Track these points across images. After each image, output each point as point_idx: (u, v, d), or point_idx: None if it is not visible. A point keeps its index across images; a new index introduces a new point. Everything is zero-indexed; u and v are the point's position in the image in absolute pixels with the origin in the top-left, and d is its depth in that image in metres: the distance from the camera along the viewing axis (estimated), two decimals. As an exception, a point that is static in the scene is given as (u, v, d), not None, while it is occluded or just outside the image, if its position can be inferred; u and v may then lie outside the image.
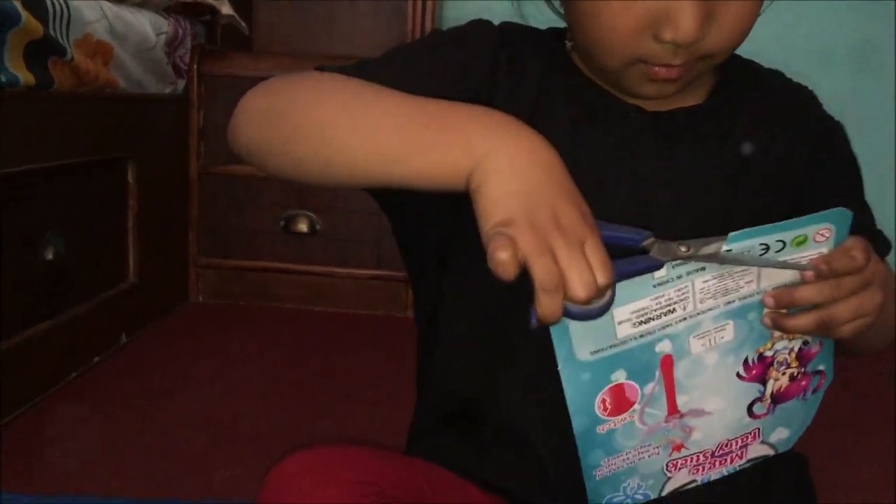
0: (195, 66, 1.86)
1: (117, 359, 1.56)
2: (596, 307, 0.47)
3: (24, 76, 1.23)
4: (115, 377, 1.47)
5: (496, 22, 0.68)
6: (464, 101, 0.55)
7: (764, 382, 0.60)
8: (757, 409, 0.61)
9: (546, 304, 0.45)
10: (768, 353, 0.59)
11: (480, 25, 0.68)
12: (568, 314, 0.47)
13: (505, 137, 0.50)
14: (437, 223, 0.65)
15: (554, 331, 0.52)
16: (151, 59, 1.67)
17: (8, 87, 1.19)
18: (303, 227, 1.92)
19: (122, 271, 1.66)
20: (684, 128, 0.65)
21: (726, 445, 0.62)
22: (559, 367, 0.53)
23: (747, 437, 0.63)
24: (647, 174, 0.64)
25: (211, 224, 1.95)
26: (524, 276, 0.45)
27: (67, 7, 1.34)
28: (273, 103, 0.59)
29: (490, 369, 0.66)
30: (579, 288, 0.45)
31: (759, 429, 0.63)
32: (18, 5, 1.19)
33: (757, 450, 0.64)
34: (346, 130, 0.54)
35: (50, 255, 1.36)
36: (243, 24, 2.00)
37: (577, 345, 0.54)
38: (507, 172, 0.48)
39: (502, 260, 0.44)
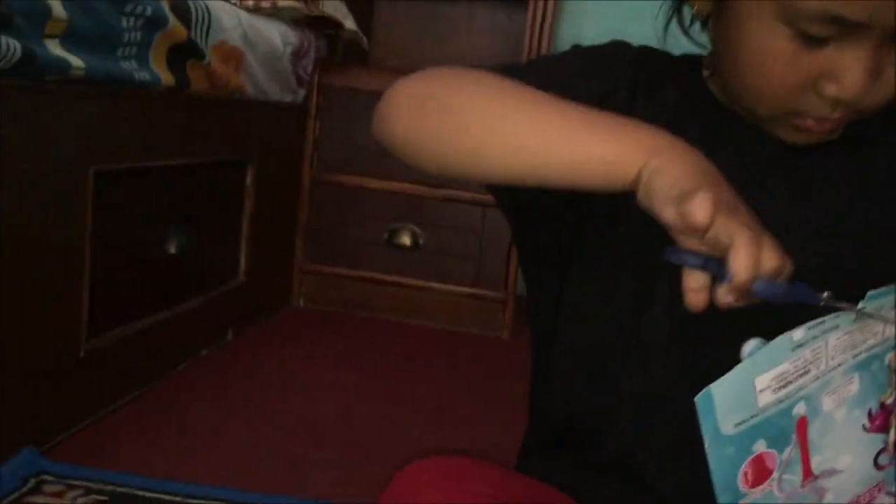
0: (316, 78, 1.92)
1: (224, 354, 1.61)
2: (781, 288, 0.47)
3: (165, 77, 1.29)
4: (222, 371, 1.51)
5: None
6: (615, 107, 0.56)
7: (886, 431, 0.59)
8: (882, 459, 0.60)
9: (743, 262, 0.45)
10: (889, 402, 0.58)
11: (622, 48, 0.68)
12: (755, 292, 0.47)
13: (672, 142, 0.51)
14: (561, 230, 0.65)
15: (700, 403, 0.52)
16: (277, 68, 1.73)
17: (150, 86, 1.25)
18: (406, 240, 1.95)
19: (233, 270, 1.72)
20: (821, 166, 0.64)
21: (855, 502, 0.61)
22: (706, 446, 0.53)
23: (874, 491, 0.61)
24: (779, 212, 0.63)
25: (317, 231, 1.99)
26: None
27: (209, 13, 1.40)
28: (432, 92, 0.59)
29: (611, 392, 0.65)
30: (772, 259, 0.46)
31: (883, 480, 0.61)
32: (167, 9, 1.26)
33: (883, 501, 0.62)
34: (512, 121, 0.54)
35: (173, 249, 1.42)
36: (364, 38, 2.05)
37: (722, 418, 0.53)
38: (683, 162, 0.49)
39: (701, 217, 0.45)
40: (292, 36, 1.79)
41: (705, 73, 0.68)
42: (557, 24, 2.11)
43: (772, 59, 0.56)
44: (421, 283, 1.97)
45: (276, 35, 1.71)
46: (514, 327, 1.96)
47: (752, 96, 0.60)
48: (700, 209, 0.45)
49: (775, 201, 0.63)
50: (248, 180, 1.70)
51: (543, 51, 2.00)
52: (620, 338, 0.64)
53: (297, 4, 1.75)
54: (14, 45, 0.94)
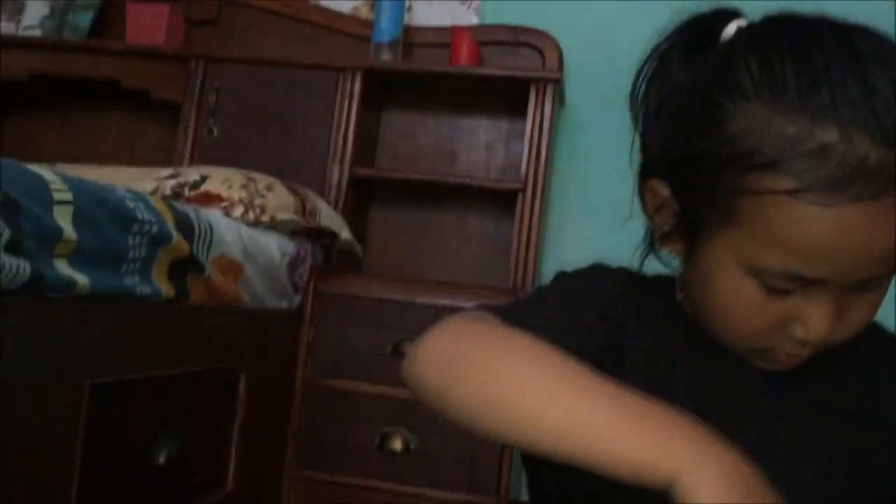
0: (312, 284, 1.99)
1: (208, 569, 1.56)
2: None
3: (166, 290, 1.34)
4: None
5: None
6: (600, 347, 0.59)
7: None
8: None
9: None
10: None
11: (605, 271, 0.73)
12: None
13: (708, 450, 0.50)
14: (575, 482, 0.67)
15: None
16: (274, 277, 1.80)
17: (151, 299, 1.30)
18: (397, 444, 1.94)
19: (221, 480, 1.70)
20: (800, 382, 0.67)
21: None
22: None
23: None
24: (767, 430, 0.66)
25: (309, 436, 1.98)
26: None
27: (211, 229, 1.48)
28: (462, 355, 0.59)
29: None
30: None
31: None
32: (172, 227, 1.33)
33: None
34: (541, 402, 0.54)
35: (161, 459, 1.41)
36: (359, 247, 2.14)
37: None
38: (716, 486, 0.48)
39: None
40: (289, 246, 1.87)
41: (679, 296, 0.72)
42: (542, 230, 2.21)
43: (741, 306, 0.61)
44: (413, 489, 1.94)
45: (274, 246, 1.79)
46: (508, 536, 1.91)
47: (726, 336, 0.65)
48: None
49: (764, 419, 0.66)
50: (241, 388, 1.72)
51: (528, 262, 2.09)
52: None
53: (295, 218, 1.84)
54: (24, 267, 1.00)
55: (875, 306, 0.61)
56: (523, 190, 2.13)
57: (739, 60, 0.58)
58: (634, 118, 0.69)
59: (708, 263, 0.62)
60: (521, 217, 2.12)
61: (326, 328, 2.00)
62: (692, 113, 0.60)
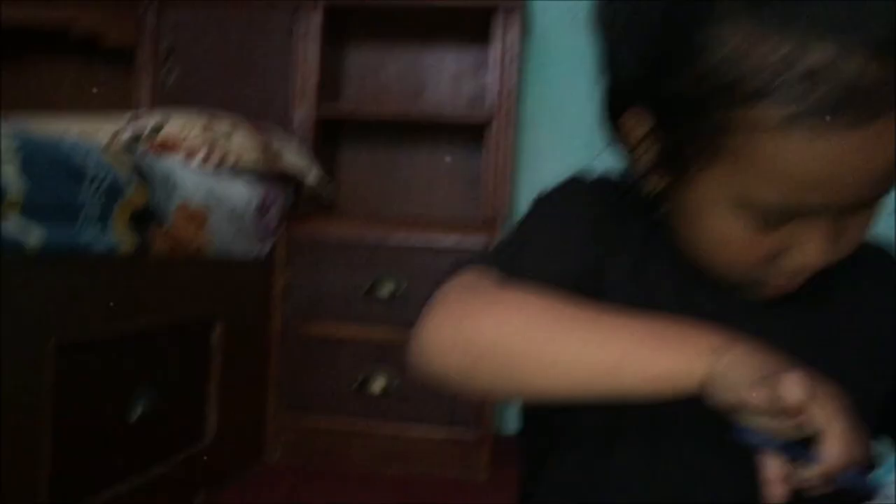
0: (282, 230, 1.95)
1: (193, 519, 1.55)
2: (865, 481, 0.48)
3: (126, 242, 1.30)
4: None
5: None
6: (588, 267, 0.59)
7: None
8: None
9: (837, 449, 0.46)
10: None
11: (580, 190, 0.69)
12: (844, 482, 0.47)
13: (733, 338, 0.52)
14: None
15: None
16: (242, 224, 1.75)
17: (111, 253, 1.26)
18: (378, 386, 1.93)
19: (200, 430, 1.68)
20: (785, 307, 0.65)
21: None
22: None
23: None
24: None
25: (289, 383, 1.97)
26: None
27: (170, 178, 1.43)
28: (472, 339, 0.57)
29: None
30: (863, 450, 0.47)
31: None
32: (126, 177, 1.28)
33: None
34: (571, 352, 0.54)
35: (138, 415, 1.39)
36: (329, 190, 2.10)
37: None
38: (756, 351, 0.50)
39: (796, 397, 0.46)
40: (256, 191, 1.82)
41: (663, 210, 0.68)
42: (515, 160, 2.17)
43: (732, 242, 0.58)
44: (396, 429, 1.93)
45: (240, 192, 1.74)
46: (492, 469, 1.91)
47: (714, 270, 0.61)
48: (794, 389, 0.46)
49: (747, 331, 0.64)
50: (216, 338, 1.69)
51: (501, 194, 2.05)
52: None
53: (260, 157, 1.79)
54: (-30, 226, 0.95)
55: (869, 223, 0.58)
56: (493, 122, 2.08)
57: None
58: (600, 42, 0.64)
59: (695, 200, 0.58)
60: (492, 149, 2.08)
61: (299, 273, 1.97)
62: (666, 42, 0.55)
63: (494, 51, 2.10)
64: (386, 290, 1.92)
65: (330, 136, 2.30)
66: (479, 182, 2.17)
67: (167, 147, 1.64)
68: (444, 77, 2.34)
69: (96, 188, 1.20)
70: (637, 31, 0.59)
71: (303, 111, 2.14)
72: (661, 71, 0.56)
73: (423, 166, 2.34)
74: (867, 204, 0.56)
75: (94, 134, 1.70)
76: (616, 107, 0.62)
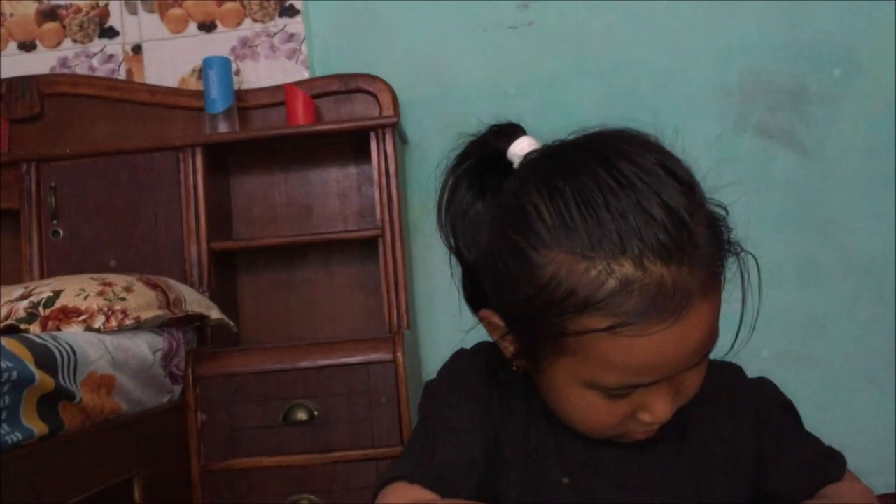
0: (190, 371, 1.97)
1: None
2: None
3: (38, 427, 1.31)
4: None
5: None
6: (489, 447, 0.70)
7: None
8: None
9: None
10: None
11: (465, 371, 0.77)
12: None
13: None
14: None
15: None
16: (150, 376, 1.78)
17: (24, 441, 1.28)
18: (306, 511, 1.95)
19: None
20: (652, 444, 0.74)
21: None
22: None
23: None
24: (626, 479, 0.73)
25: (216, 521, 1.97)
26: None
27: (73, 352, 1.45)
28: None
29: None
30: None
31: None
32: (32, 366, 1.31)
33: None
34: None
35: None
36: (232, 323, 2.14)
37: None
38: None
39: None
40: (160, 341, 1.85)
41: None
42: (408, 268, 2.27)
43: (589, 411, 0.68)
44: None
45: (144, 345, 1.77)
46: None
47: (582, 431, 0.71)
48: None
49: (622, 471, 0.73)
50: (137, 495, 1.69)
51: (399, 299, 2.14)
52: None
53: (160, 313, 1.82)
54: None
55: (703, 370, 0.69)
56: (382, 235, 2.18)
57: (530, 206, 0.64)
58: (449, 247, 0.73)
59: (552, 381, 0.68)
60: (385, 261, 2.17)
61: (213, 411, 1.98)
62: (505, 261, 0.65)
63: (374, 167, 2.21)
64: (301, 415, 1.96)
65: (227, 267, 2.34)
66: (377, 292, 2.25)
67: (66, 315, 1.67)
68: (330, 194, 2.43)
69: (3, 384, 1.23)
70: (477, 244, 0.69)
71: (196, 249, 2.18)
72: (505, 283, 0.66)
73: (322, 284, 2.41)
74: (697, 364, 0.67)
75: (-12, 309, 1.71)
76: (475, 305, 0.72)
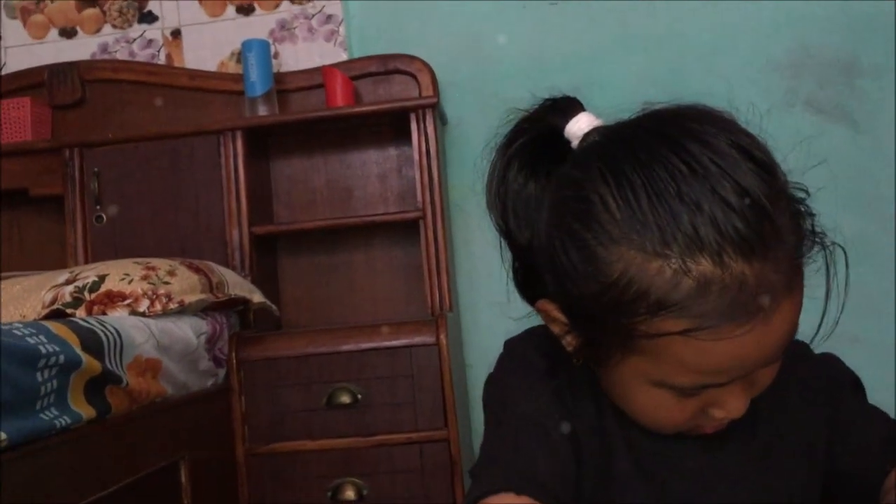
0: (233, 355, 1.97)
1: None
2: None
3: (86, 411, 1.32)
4: None
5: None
6: (566, 451, 0.66)
7: None
8: None
9: None
10: None
11: (525, 367, 0.72)
12: None
13: None
14: None
15: None
16: (194, 360, 1.78)
17: (73, 425, 1.28)
18: (350, 494, 1.95)
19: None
20: (728, 449, 0.71)
21: None
22: None
23: None
24: (696, 474, 0.70)
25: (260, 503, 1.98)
26: None
27: (119, 336, 1.46)
28: None
29: None
30: None
31: None
32: (79, 349, 1.31)
33: None
34: None
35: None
36: (274, 307, 2.14)
37: None
38: None
39: None
40: (203, 325, 1.85)
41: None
42: (450, 249, 2.25)
43: (659, 409, 0.64)
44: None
45: (188, 330, 1.77)
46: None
47: (651, 428, 0.67)
48: None
49: (692, 464, 0.70)
50: (184, 478, 1.70)
51: (443, 285, 2.12)
52: None
53: (203, 296, 1.82)
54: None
55: (778, 365, 0.65)
56: (423, 217, 2.15)
57: (595, 196, 0.58)
58: (500, 230, 0.69)
59: (618, 377, 0.64)
60: (427, 243, 2.15)
61: (257, 394, 1.99)
62: (567, 254, 0.60)
63: (415, 148, 2.19)
64: (345, 398, 1.95)
65: (268, 251, 2.34)
66: (419, 275, 2.23)
67: (111, 300, 1.67)
68: (370, 177, 2.41)
69: (51, 369, 1.23)
70: (534, 234, 0.65)
71: (238, 233, 2.18)
72: (567, 277, 0.61)
73: (363, 267, 2.40)
74: (775, 361, 0.63)
75: (34, 295, 1.72)
76: (532, 295, 0.68)
